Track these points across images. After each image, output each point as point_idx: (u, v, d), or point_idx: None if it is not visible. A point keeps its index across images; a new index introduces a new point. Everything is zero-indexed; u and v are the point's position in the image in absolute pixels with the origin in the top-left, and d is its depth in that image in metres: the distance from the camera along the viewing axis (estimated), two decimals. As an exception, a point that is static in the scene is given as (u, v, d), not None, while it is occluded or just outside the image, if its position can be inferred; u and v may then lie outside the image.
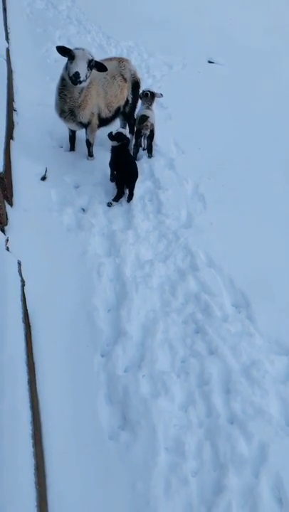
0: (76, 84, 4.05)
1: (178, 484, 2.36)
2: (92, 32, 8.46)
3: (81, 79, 4.00)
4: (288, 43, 9.16)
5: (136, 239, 3.94)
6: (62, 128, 4.77)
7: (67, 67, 4.12)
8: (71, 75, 4.00)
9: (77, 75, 3.96)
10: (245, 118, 6.09)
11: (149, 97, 4.92)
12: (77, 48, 4.09)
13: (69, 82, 4.12)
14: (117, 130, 4.35)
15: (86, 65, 4.03)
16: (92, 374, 2.80)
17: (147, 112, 4.84)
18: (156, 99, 5.01)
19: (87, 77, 4.08)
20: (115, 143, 4.32)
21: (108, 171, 4.50)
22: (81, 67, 3.99)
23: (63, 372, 2.74)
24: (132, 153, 4.76)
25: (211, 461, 2.51)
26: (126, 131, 4.38)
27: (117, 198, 4.30)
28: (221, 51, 8.33)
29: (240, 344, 3.16)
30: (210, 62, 8.32)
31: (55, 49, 4.30)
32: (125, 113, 5.01)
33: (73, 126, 4.62)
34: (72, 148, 4.91)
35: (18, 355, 2.10)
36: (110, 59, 4.88)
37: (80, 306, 3.22)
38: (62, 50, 4.06)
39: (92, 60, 4.07)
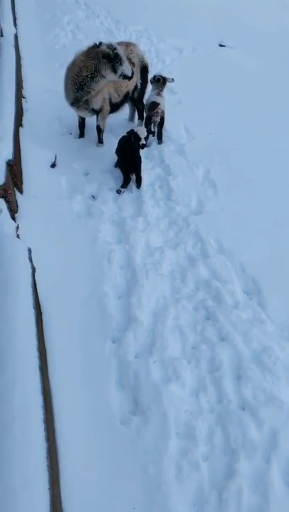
0: (131, 79, 4.23)
1: (189, 469, 2.37)
2: (101, 16, 8.35)
3: None
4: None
5: (146, 226, 3.92)
6: (72, 115, 4.73)
7: (114, 68, 4.08)
8: (129, 75, 4.13)
9: (133, 72, 4.18)
10: (257, 102, 5.97)
11: (161, 82, 4.84)
12: (115, 48, 4.07)
13: (114, 78, 4.15)
14: (136, 130, 4.31)
15: None
16: (104, 360, 2.82)
17: (157, 99, 4.78)
18: (167, 84, 4.94)
19: None
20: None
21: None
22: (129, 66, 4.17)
23: (75, 358, 2.75)
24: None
25: (222, 447, 2.52)
26: (143, 132, 4.32)
27: (124, 185, 4.27)
28: (231, 34, 8.16)
29: (252, 331, 3.14)
30: (221, 45, 8.16)
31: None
32: (134, 98, 4.94)
33: (85, 114, 4.58)
34: (81, 135, 4.88)
35: (30, 342, 2.11)
36: (118, 43, 4.80)
37: (91, 293, 3.23)
38: (104, 55, 4.06)
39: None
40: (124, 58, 4.10)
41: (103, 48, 4.03)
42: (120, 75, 4.13)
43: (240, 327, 3.15)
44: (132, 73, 4.17)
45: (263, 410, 2.67)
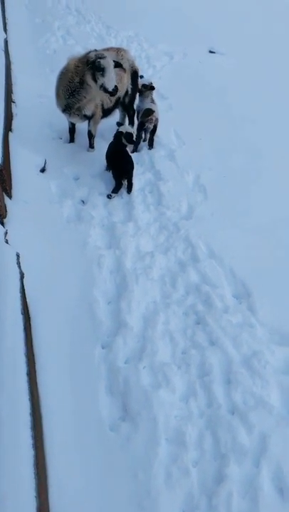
0: (115, 95, 4.13)
1: (179, 474, 2.36)
2: (92, 22, 8.37)
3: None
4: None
5: (136, 231, 3.92)
6: (62, 119, 4.73)
7: (95, 77, 4.03)
8: (111, 89, 4.03)
9: (116, 88, 4.06)
10: (247, 108, 6.02)
11: (149, 88, 4.89)
12: (101, 57, 4.00)
13: (95, 88, 4.09)
14: (127, 130, 4.33)
15: (113, 72, 4.06)
16: (93, 365, 2.80)
17: (152, 106, 4.82)
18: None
19: None
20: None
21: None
22: (114, 78, 4.06)
23: (64, 363, 2.74)
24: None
25: (211, 452, 2.51)
26: (129, 128, 4.36)
27: (116, 190, 4.28)
28: (222, 40, 8.22)
29: (241, 335, 3.15)
30: (211, 52, 8.22)
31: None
32: (124, 104, 4.96)
33: (77, 120, 4.59)
34: (71, 139, 4.88)
35: (18, 347, 2.10)
36: (108, 49, 4.83)
37: (81, 298, 3.21)
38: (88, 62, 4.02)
39: (113, 62, 4.10)
40: (108, 71, 3.98)
41: (91, 54, 4.04)
42: (100, 87, 4.06)
43: (230, 331, 3.16)
44: (116, 89, 4.03)
45: (253, 415, 2.67)
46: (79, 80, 4.12)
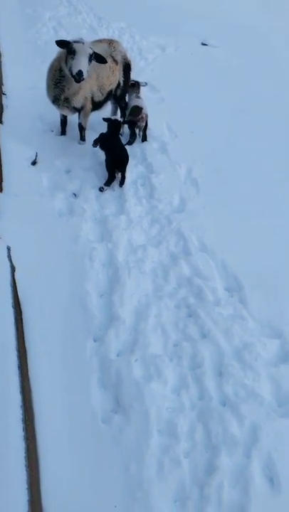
0: (79, 82, 3.96)
1: (170, 465, 2.38)
2: (83, 13, 8.27)
3: (84, 76, 3.91)
4: (282, 18, 9.02)
5: (128, 224, 3.91)
6: (53, 112, 4.68)
7: (67, 61, 3.98)
8: (74, 73, 3.89)
9: (80, 73, 3.87)
10: (239, 101, 6.01)
11: (136, 86, 4.88)
12: (76, 41, 3.94)
13: (68, 75, 4.01)
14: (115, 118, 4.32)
15: (87, 60, 3.93)
16: (85, 358, 2.81)
17: (139, 102, 4.80)
18: (141, 87, 4.98)
19: (88, 72, 3.98)
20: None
21: (100, 154, 4.43)
22: (83, 64, 3.89)
23: (56, 357, 2.74)
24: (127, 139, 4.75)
25: (203, 443, 2.54)
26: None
27: (108, 183, 4.25)
28: (215, 32, 8.17)
29: (233, 327, 3.16)
30: (203, 44, 8.18)
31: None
32: (116, 96, 4.92)
33: (67, 112, 4.54)
34: (63, 132, 4.83)
35: (8, 341, 2.09)
36: (100, 41, 4.78)
37: (73, 292, 3.21)
38: (61, 44, 3.95)
39: (93, 53, 3.98)
40: (79, 55, 3.86)
41: (71, 40, 3.99)
42: (69, 70, 3.96)
43: (222, 324, 3.17)
44: (79, 74, 3.85)
45: (244, 406, 2.70)
46: (59, 68, 4.09)
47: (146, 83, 5.06)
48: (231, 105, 5.88)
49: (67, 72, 4.03)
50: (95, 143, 4.33)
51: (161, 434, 2.53)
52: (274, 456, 2.50)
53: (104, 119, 4.38)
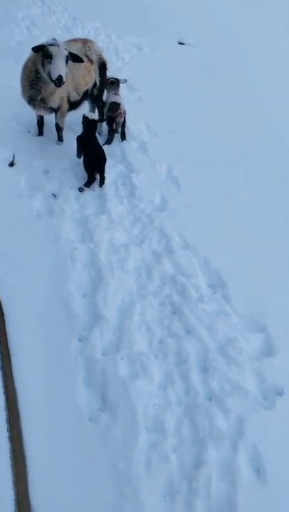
0: (60, 87, 3.92)
1: (159, 461, 2.40)
2: (58, 12, 8.22)
3: (64, 80, 3.88)
4: (262, 18, 9.15)
5: (110, 223, 3.91)
6: (29, 112, 4.64)
7: (43, 65, 3.93)
8: (54, 78, 3.84)
9: (60, 78, 3.83)
10: (217, 99, 6.08)
11: (116, 84, 4.89)
12: (51, 44, 3.89)
13: (47, 79, 3.97)
14: (92, 116, 4.28)
15: (65, 63, 3.89)
16: (70, 359, 2.80)
17: (117, 98, 4.80)
18: (120, 84, 4.99)
19: (66, 74, 3.95)
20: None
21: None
22: (62, 68, 3.85)
23: (40, 357, 2.72)
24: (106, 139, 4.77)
25: (190, 438, 2.56)
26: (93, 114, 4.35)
27: (88, 184, 4.24)
28: (192, 31, 8.23)
29: (216, 323, 3.20)
30: (180, 43, 8.23)
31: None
32: (93, 96, 4.91)
33: (43, 112, 4.50)
34: (40, 133, 4.79)
35: (-8, 343, 2.07)
36: (74, 40, 4.76)
37: (55, 293, 3.19)
38: (37, 49, 3.90)
39: (68, 53, 3.95)
40: (56, 59, 3.82)
41: (45, 42, 3.97)
42: (47, 75, 3.93)
43: (206, 320, 3.21)
44: (59, 79, 3.81)
45: (229, 400, 2.73)
46: (35, 69, 4.06)
47: (126, 80, 5.06)
48: (209, 104, 5.94)
49: (45, 75, 3.99)
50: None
51: (148, 431, 2.54)
52: (260, 448, 2.55)
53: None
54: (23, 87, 4.26)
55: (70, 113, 4.66)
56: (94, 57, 4.69)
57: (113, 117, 4.72)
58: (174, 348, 2.99)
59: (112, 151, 4.76)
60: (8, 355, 2.45)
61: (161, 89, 6.08)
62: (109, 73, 5.06)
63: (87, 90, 4.71)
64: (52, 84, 3.99)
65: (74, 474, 2.25)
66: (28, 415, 2.33)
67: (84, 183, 4.24)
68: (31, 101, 4.28)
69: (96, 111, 5.12)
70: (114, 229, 3.86)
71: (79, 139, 4.28)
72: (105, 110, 4.90)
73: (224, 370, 2.91)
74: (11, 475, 1.53)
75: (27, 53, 4.23)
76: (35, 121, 4.74)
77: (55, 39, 4.01)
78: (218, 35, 8.31)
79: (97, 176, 4.30)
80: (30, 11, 8.03)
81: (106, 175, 4.31)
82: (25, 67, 4.19)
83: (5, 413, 1.72)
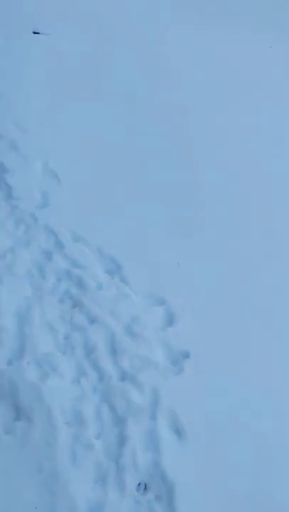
0: None
1: (83, 451, 2.46)
2: None
3: None
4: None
5: (-9, 229, 3.74)
6: None
7: None
8: None
9: None
10: (79, 85, 6.04)
11: None
12: None
13: None
14: None
15: None
16: (-28, 378, 2.69)
17: None
18: None
19: None
20: None
21: None
22: None
23: None
24: None
25: (110, 420, 2.65)
26: None
27: None
28: (48, 19, 7.93)
29: (118, 306, 3.29)
30: (35, 32, 7.95)
31: None
32: None
33: None
34: None
35: None
36: None
37: None
38: None
39: None
40: None
41: None
42: None
43: (107, 306, 3.28)
44: None
45: (142, 375, 2.87)
46: None
47: None
48: (73, 91, 5.88)
49: None
50: None
51: (69, 426, 2.57)
52: (176, 410, 2.73)
53: None
54: None
55: None
56: None
57: None
58: (81, 340, 3.03)
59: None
60: None
61: (22, 82, 5.85)
62: None
63: None
64: None
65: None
66: None
67: None
68: None
69: None
70: (-3, 234, 3.71)
71: None
72: None
73: (132, 348, 3.03)
74: None
75: None
76: None
77: None
78: (76, 22, 8.14)
79: None
80: None
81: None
82: None
83: None
